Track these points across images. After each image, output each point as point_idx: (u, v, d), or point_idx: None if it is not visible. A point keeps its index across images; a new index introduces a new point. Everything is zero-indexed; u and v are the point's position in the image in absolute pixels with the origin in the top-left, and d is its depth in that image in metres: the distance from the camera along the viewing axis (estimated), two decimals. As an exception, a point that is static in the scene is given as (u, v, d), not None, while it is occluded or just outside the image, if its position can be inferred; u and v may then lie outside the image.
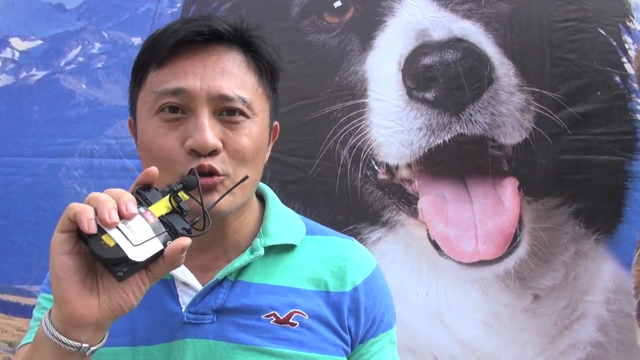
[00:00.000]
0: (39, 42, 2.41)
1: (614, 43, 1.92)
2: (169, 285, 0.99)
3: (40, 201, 2.29)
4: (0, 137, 2.36)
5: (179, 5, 2.27)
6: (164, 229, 0.76)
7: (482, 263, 1.93)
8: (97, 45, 2.36)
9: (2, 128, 2.36)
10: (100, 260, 0.72)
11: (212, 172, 0.91)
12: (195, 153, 0.90)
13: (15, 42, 2.43)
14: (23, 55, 2.41)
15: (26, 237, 2.27)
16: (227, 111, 0.93)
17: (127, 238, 0.72)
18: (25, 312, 2.26)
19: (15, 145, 2.34)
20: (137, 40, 2.31)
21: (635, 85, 1.90)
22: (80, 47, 2.37)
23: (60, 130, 2.31)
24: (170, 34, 0.92)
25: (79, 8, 2.39)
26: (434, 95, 1.94)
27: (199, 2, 2.25)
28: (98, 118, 2.30)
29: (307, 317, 0.98)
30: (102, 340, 0.78)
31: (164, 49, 0.92)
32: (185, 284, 0.99)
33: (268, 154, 1.05)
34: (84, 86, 2.34)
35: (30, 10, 2.42)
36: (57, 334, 0.74)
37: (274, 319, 0.97)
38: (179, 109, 0.92)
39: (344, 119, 2.04)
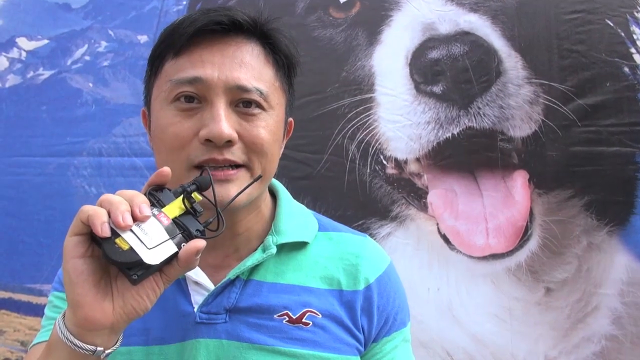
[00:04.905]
0: (46, 41, 2.41)
1: (622, 34, 1.91)
2: (181, 285, 0.98)
3: (50, 201, 2.29)
4: (8, 137, 2.37)
5: (184, 2, 2.27)
6: (178, 231, 0.75)
7: (494, 257, 1.92)
8: (104, 43, 2.36)
9: (11, 128, 2.37)
10: (115, 264, 0.71)
11: (226, 165, 0.89)
12: (210, 143, 0.88)
13: (22, 42, 2.43)
14: (30, 55, 2.42)
15: (36, 237, 2.28)
16: (243, 103, 0.91)
17: (141, 241, 0.71)
18: (37, 311, 2.27)
19: (24, 145, 2.35)
20: (144, 38, 2.31)
21: (645, 76, 1.89)
22: (86, 45, 2.37)
23: (69, 129, 2.32)
24: (190, 23, 0.91)
25: (84, 7, 2.39)
26: (441, 89, 1.94)
27: (204, 0, 2.25)
28: (106, 116, 2.30)
29: (320, 316, 0.97)
30: (116, 343, 0.78)
31: (182, 37, 0.91)
32: (197, 283, 0.98)
33: (282, 150, 1.03)
34: (91, 85, 2.34)
35: (36, 10, 2.43)
36: (71, 337, 0.73)
37: (287, 319, 0.96)
38: (195, 98, 0.90)
39: (351, 114, 2.03)
